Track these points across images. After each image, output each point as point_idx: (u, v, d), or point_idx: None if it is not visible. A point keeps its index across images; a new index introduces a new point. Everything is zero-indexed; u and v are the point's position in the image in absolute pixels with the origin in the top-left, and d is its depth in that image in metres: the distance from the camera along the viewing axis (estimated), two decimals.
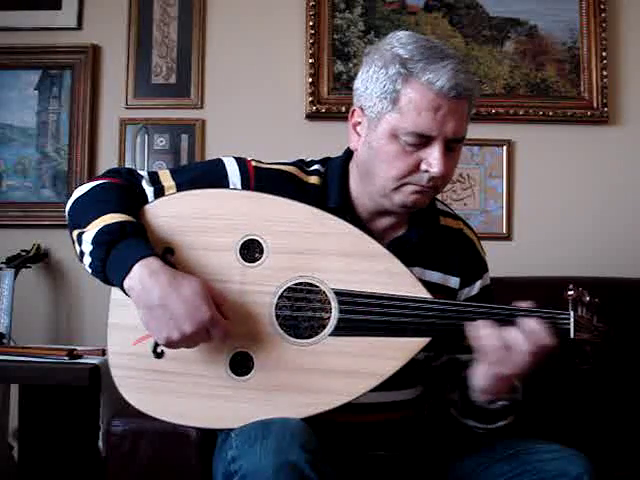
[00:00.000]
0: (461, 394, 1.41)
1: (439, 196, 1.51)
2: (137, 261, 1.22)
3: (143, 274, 1.22)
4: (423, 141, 1.31)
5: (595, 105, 2.55)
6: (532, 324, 1.26)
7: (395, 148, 1.33)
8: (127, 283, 1.23)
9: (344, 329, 1.30)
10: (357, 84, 1.40)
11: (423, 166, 1.33)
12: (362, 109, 1.38)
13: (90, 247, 1.27)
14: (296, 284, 1.32)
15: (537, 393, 1.37)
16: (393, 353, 1.30)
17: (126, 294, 1.25)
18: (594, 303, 1.34)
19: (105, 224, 1.26)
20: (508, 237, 2.56)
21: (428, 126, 1.30)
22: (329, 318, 1.31)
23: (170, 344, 1.24)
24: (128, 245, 1.25)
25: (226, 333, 1.26)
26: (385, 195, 1.37)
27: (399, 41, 1.35)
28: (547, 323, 1.27)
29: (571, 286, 1.33)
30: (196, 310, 1.21)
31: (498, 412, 1.36)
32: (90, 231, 1.27)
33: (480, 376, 1.31)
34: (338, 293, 1.31)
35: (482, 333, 1.27)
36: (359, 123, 1.40)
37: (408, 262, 1.34)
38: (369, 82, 1.36)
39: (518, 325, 1.26)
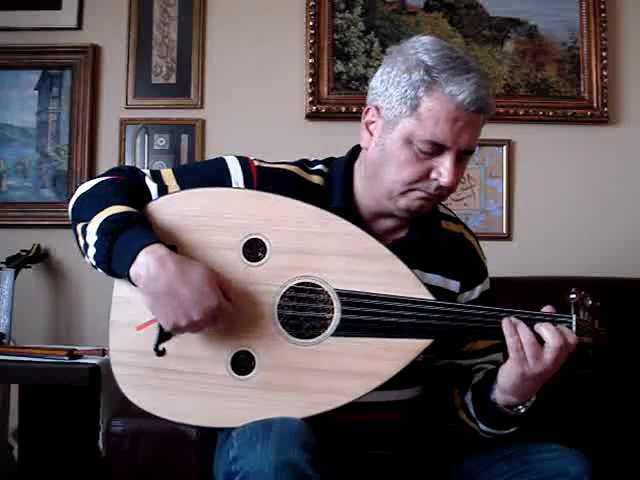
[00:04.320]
0: (477, 396, 1.40)
1: None
2: (143, 248, 1.22)
3: (149, 261, 1.22)
4: (436, 150, 1.32)
5: (595, 105, 2.55)
6: (561, 325, 1.27)
7: (408, 153, 1.33)
8: (133, 270, 1.23)
9: (346, 329, 1.30)
10: (375, 83, 1.39)
11: (433, 174, 1.33)
12: (378, 109, 1.37)
13: (95, 238, 1.27)
14: (299, 284, 1.32)
15: (540, 395, 1.36)
16: (395, 354, 1.30)
17: (132, 283, 1.25)
18: (596, 307, 1.34)
19: (110, 214, 1.27)
20: (508, 237, 2.56)
21: (444, 136, 1.30)
22: (331, 318, 1.31)
23: (177, 330, 1.24)
24: (133, 234, 1.25)
25: (232, 320, 1.26)
26: (391, 198, 1.37)
27: (424, 46, 1.34)
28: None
29: (573, 289, 1.33)
30: (204, 297, 1.21)
31: (513, 418, 1.35)
32: (95, 222, 1.27)
33: (510, 375, 1.28)
34: (341, 293, 1.31)
35: (518, 329, 1.26)
36: (372, 122, 1.39)
37: (408, 264, 1.34)
38: (389, 84, 1.35)
39: (550, 325, 1.27)
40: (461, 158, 1.35)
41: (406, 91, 1.32)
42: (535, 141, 2.58)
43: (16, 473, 2.28)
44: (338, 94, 2.53)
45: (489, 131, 2.48)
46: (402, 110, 1.32)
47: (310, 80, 2.53)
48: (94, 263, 1.30)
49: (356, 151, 1.47)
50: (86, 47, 2.55)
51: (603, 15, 2.55)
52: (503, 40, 2.58)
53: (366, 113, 1.40)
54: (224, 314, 1.24)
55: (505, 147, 2.56)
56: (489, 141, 2.54)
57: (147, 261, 1.22)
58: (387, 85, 1.35)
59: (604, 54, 2.54)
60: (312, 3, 2.54)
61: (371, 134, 1.39)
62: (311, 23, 2.54)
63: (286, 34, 2.57)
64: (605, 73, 2.54)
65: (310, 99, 2.53)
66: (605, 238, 2.55)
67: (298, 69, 2.56)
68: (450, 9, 2.57)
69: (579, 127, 2.58)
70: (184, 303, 1.21)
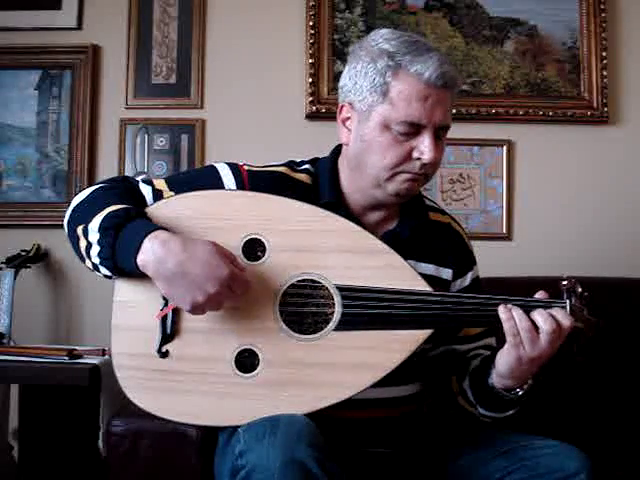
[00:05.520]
0: (475, 381, 1.43)
1: (434, 195, 1.51)
2: (145, 236, 1.24)
3: (155, 246, 1.23)
4: (414, 130, 1.36)
5: (595, 105, 2.55)
6: (554, 310, 1.30)
7: (387, 138, 1.37)
8: (140, 259, 1.24)
9: (348, 323, 1.32)
10: (344, 81, 1.44)
11: (415, 154, 1.37)
12: (351, 104, 1.42)
13: (97, 235, 1.28)
14: (299, 281, 1.33)
15: (538, 387, 1.38)
16: (397, 345, 1.32)
17: (141, 274, 1.26)
18: (585, 295, 1.38)
19: (110, 211, 1.28)
20: (508, 237, 2.56)
21: (419, 115, 1.35)
22: (333, 313, 1.32)
23: (196, 308, 1.25)
24: (135, 226, 1.27)
25: (247, 285, 1.28)
26: (378, 185, 1.41)
27: (383, 37, 1.40)
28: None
29: (565, 276, 1.37)
30: (215, 269, 1.23)
31: (511, 401, 1.38)
32: (96, 220, 1.29)
33: (507, 359, 1.31)
34: (341, 289, 1.32)
35: (514, 314, 1.29)
36: (348, 118, 1.44)
37: (402, 255, 1.37)
38: (358, 77, 1.40)
39: (542, 311, 1.30)
40: (439, 135, 1.39)
41: (374, 79, 1.37)
42: (535, 141, 2.58)
43: (16, 473, 2.28)
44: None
45: (489, 131, 2.53)
46: (374, 98, 1.37)
47: (310, 80, 2.53)
48: (97, 262, 1.30)
49: (338, 149, 1.51)
50: (86, 47, 2.55)
51: (603, 15, 2.55)
52: (503, 40, 2.58)
53: (340, 111, 1.45)
54: (238, 281, 1.26)
55: (505, 147, 2.56)
56: (489, 141, 2.54)
57: (152, 246, 1.23)
58: (356, 79, 1.40)
59: (604, 54, 2.54)
60: (312, 3, 2.54)
61: (348, 130, 1.44)
62: (311, 23, 2.54)
63: (286, 34, 2.57)
64: (605, 73, 2.54)
65: (310, 99, 2.53)
66: (605, 238, 2.55)
67: (298, 69, 2.56)
68: (450, 9, 2.57)
69: (579, 127, 2.58)
70: (197, 279, 1.22)
